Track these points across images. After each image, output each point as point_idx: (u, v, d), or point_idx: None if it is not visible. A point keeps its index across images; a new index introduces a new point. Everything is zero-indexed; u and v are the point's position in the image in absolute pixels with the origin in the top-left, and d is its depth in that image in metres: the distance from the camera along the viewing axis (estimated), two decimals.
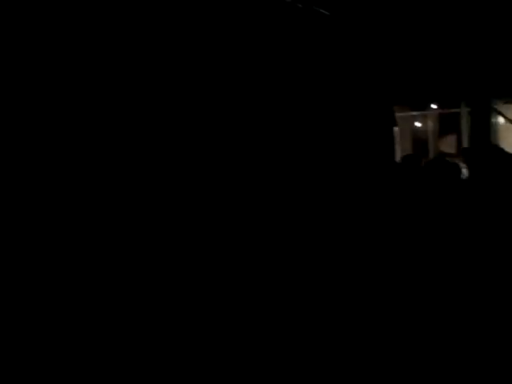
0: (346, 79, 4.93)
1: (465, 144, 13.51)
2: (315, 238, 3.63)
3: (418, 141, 14.52)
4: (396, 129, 9.81)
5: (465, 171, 5.75)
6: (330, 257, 3.58)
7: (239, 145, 3.31)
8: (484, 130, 11.66)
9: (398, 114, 11.31)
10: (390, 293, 3.61)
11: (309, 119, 4.11)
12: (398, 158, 7.15)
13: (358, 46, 5.27)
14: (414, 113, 14.36)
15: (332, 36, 4.70)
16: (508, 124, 12.34)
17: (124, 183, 2.76)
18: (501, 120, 12.54)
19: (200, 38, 3.18)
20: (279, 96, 3.73)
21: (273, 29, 3.78)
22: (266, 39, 3.65)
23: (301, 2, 4.03)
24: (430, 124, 14.47)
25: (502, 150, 5.32)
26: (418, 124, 14.67)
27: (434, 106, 14.08)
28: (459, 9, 10.63)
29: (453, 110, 13.82)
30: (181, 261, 2.88)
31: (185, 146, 3.04)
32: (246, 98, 3.43)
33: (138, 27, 2.92)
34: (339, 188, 4.30)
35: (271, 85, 3.66)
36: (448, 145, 14.03)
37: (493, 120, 12.31)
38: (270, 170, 3.48)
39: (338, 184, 4.34)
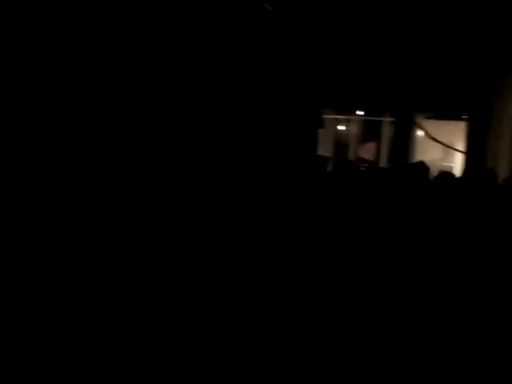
0: (278, 77, 4.83)
1: (384, 153, 13.79)
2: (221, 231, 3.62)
3: (340, 144, 14.71)
4: (321, 130, 9.84)
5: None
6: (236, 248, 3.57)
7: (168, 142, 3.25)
8: (404, 142, 11.91)
9: (324, 116, 11.39)
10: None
11: (235, 116, 4.01)
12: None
13: (294, 45, 5.19)
14: (340, 116, 14.52)
15: (270, 32, 4.59)
16: (427, 139, 12.66)
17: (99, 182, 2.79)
18: (421, 134, 12.85)
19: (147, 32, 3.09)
20: (208, 91, 3.62)
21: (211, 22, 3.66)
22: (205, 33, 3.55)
23: None
24: (354, 129, 14.68)
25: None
26: (341, 128, 14.85)
27: (360, 112, 14.29)
28: (393, 22, 10.78)
29: (377, 118, 14.06)
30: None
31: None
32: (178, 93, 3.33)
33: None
34: (259, 186, 4.23)
35: (202, 83, 3.56)
36: (368, 151, 14.27)
37: (414, 133, 12.60)
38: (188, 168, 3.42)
39: (259, 181, 4.27)
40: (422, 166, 5.25)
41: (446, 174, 5.34)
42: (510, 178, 5.14)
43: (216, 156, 3.75)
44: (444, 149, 12.86)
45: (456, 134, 12.27)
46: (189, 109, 3.49)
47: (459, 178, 5.34)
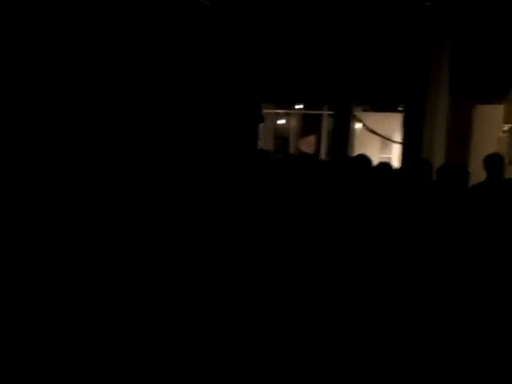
0: (217, 73, 4.82)
1: (324, 146, 13.95)
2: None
3: (280, 138, 14.81)
4: (261, 125, 9.85)
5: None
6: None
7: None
8: (344, 135, 12.08)
9: (264, 111, 11.44)
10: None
11: (172, 112, 3.99)
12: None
13: (232, 40, 5.19)
14: (280, 111, 14.60)
15: (208, 27, 4.58)
16: (366, 131, 12.87)
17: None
18: (359, 126, 13.05)
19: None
20: (143, 87, 3.59)
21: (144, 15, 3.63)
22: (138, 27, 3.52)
23: None
24: (293, 123, 14.79)
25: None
26: (281, 122, 14.94)
27: (298, 106, 14.40)
28: (328, 16, 10.90)
29: (316, 112, 14.20)
30: None
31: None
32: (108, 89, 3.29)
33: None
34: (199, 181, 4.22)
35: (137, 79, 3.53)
36: (308, 145, 14.41)
37: (353, 126, 12.79)
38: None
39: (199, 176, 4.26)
40: (363, 159, 5.34)
41: (383, 166, 5.46)
42: (445, 166, 5.25)
43: (157, 152, 3.72)
44: (382, 140, 13.12)
45: (393, 125, 12.52)
46: (127, 105, 3.46)
47: (396, 170, 5.46)
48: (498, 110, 11.64)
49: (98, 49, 3.14)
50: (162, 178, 3.74)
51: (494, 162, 6.02)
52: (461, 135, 11.66)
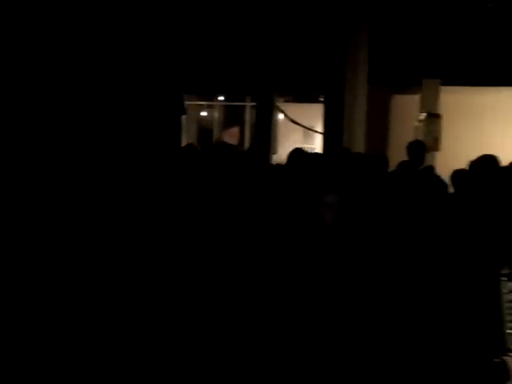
0: (135, 64, 4.75)
1: (247, 137, 14.02)
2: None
3: (204, 131, 14.77)
4: (183, 117, 9.80)
5: None
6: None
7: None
8: (266, 126, 12.15)
9: (186, 103, 11.36)
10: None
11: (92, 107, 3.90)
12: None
13: (150, 32, 5.11)
14: (202, 102, 14.56)
15: (126, 18, 4.50)
16: (289, 122, 13.00)
17: None
18: (282, 117, 13.17)
19: None
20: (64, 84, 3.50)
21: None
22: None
23: None
24: (216, 115, 14.78)
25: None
26: (204, 114, 14.90)
27: (221, 98, 14.39)
28: (247, 7, 10.93)
29: (239, 103, 14.24)
30: None
31: None
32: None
33: None
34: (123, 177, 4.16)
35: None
36: (232, 136, 14.44)
37: (275, 117, 12.88)
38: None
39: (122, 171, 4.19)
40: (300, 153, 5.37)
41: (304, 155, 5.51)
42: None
43: (69, 152, 3.62)
44: (305, 131, 13.29)
45: (315, 116, 12.70)
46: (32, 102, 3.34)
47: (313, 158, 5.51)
48: (414, 100, 12.01)
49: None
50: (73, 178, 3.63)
51: (415, 148, 6.47)
52: (380, 124, 11.96)
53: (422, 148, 6.59)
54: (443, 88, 11.62)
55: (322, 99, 11.84)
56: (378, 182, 5.45)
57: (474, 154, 5.70)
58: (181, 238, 3.51)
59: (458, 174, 5.24)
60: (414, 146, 6.56)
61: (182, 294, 3.27)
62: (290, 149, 5.48)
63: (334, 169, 4.89)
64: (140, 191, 4.08)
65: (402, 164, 6.36)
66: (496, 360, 2.24)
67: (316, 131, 12.88)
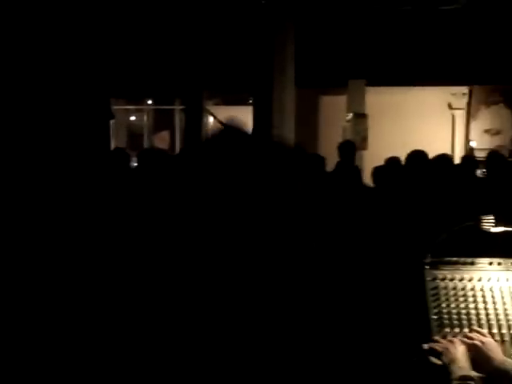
0: (61, 68, 4.69)
1: (178, 141, 13.96)
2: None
3: (134, 135, 14.62)
4: (112, 121, 9.66)
5: None
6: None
7: None
8: (196, 129, 12.14)
9: (114, 107, 11.23)
10: None
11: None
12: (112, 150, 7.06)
13: (77, 35, 5.04)
14: (130, 106, 14.41)
15: (53, 20, 4.43)
16: (218, 125, 13.02)
17: None
18: (212, 121, 13.20)
19: None
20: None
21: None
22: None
23: None
24: (146, 119, 14.66)
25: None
26: (133, 118, 14.75)
27: (149, 101, 14.28)
28: (176, 11, 10.91)
29: (168, 107, 14.17)
30: None
31: None
32: None
33: None
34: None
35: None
36: (162, 140, 14.36)
37: (205, 120, 12.89)
38: None
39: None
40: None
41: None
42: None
43: None
44: None
45: (245, 118, 12.78)
46: None
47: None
48: (341, 100, 12.26)
49: None
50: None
51: (346, 148, 6.73)
52: (309, 125, 12.15)
53: (353, 148, 6.83)
54: (368, 89, 11.92)
55: (252, 101, 11.92)
56: (317, 183, 5.55)
57: (399, 152, 5.90)
58: (108, 238, 3.52)
59: (378, 170, 5.47)
60: (345, 146, 6.80)
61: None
62: None
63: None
64: (68, 196, 4.03)
65: (338, 164, 6.57)
66: (423, 346, 2.31)
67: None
